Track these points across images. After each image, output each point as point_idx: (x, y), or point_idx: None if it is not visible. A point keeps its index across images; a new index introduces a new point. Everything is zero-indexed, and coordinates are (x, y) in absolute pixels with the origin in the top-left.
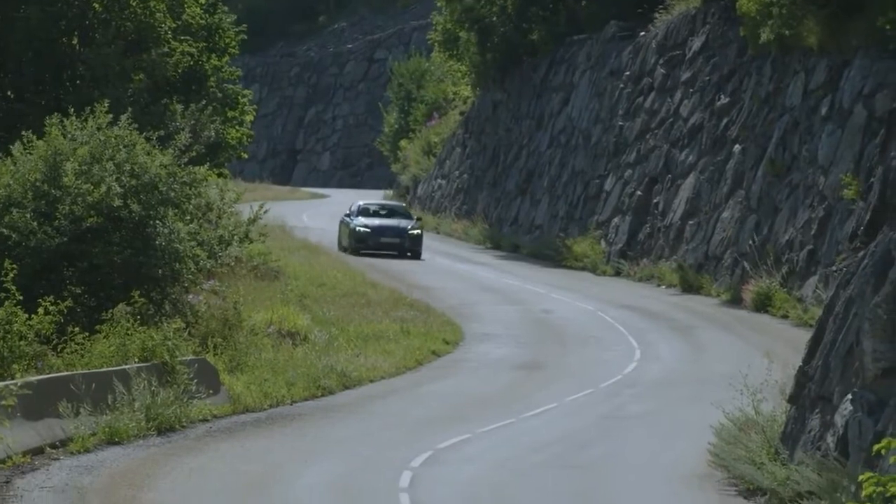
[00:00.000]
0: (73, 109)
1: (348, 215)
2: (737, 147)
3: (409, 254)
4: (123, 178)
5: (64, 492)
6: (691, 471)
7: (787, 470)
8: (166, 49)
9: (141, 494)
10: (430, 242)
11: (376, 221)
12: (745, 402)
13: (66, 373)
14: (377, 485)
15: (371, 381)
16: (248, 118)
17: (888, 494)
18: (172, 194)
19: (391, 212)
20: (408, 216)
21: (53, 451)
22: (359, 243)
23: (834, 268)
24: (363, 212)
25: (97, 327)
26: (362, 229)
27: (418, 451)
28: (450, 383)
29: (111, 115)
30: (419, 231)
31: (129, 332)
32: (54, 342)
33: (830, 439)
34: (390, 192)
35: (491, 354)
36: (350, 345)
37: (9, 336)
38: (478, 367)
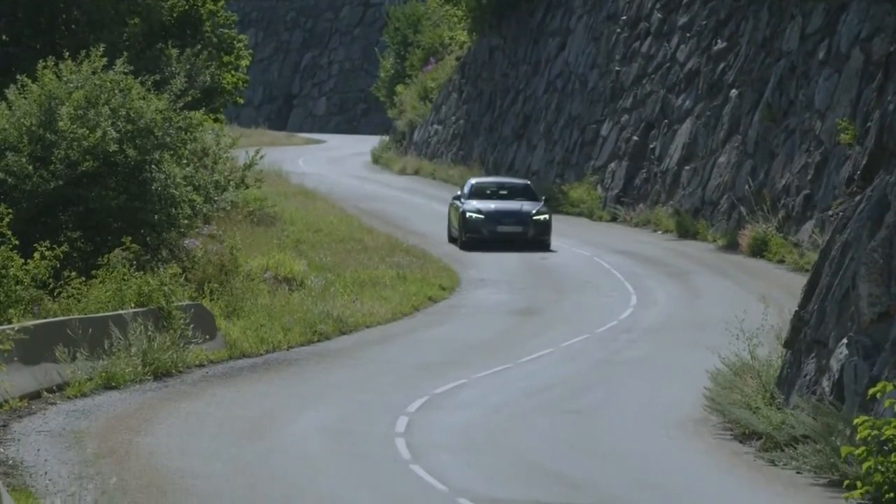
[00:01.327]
0: (68, 54)
1: (458, 197)
2: (733, 92)
3: (535, 244)
4: (119, 123)
5: (61, 436)
6: (687, 415)
7: (783, 414)
8: None
9: (138, 439)
10: (426, 188)
11: (492, 205)
12: (740, 347)
13: (62, 318)
14: (373, 430)
15: (367, 327)
16: (244, 63)
17: (883, 438)
18: (168, 139)
19: (512, 191)
20: (533, 196)
21: (50, 395)
22: (472, 234)
23: (830, 212)
24: (477, 192)
25: (93, 272)
26: (474, 215)
27: (414, 397)
28: (446, 329)
29: (106, 60)
30: (546, 216)
31: (125, 277)
32: (51, 287)
33: (826, 383)
34: (386, 139)
35: (487, 300)
36: (346, 291)
37: (5, 281)
38: (474, 313)
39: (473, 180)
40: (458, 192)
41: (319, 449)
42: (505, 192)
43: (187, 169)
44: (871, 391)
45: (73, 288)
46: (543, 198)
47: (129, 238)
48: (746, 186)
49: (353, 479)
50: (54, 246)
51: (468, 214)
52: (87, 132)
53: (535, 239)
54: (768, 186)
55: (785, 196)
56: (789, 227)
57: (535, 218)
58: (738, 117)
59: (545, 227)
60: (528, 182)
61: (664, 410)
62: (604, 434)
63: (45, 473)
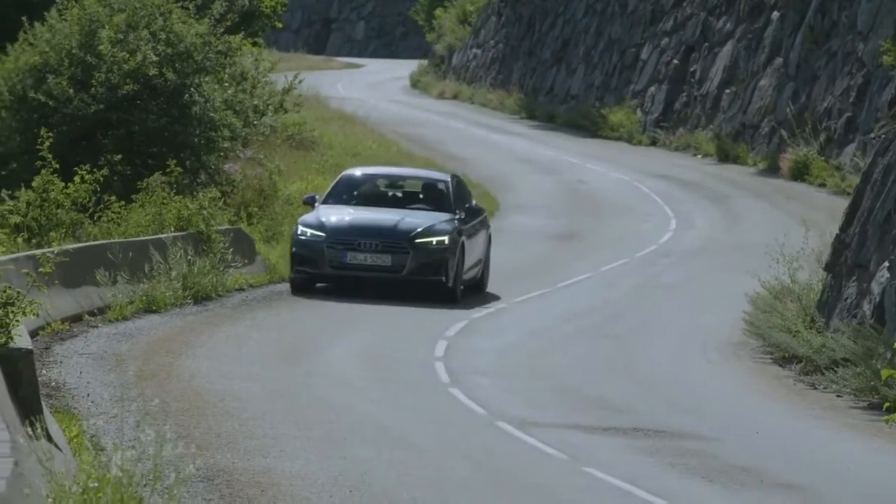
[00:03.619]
0: None
1: (312, 199)
2: (775, 14)
3: (425, 290)
4: (159, 47)
5: (102, 358)
6: (726, 339)
7: (823, 338)
8: None
9: (178, 361)
10: (464, 113)
11: (347, 216)
12: (780, 271)
13: (103, 241)
14: (412, 354)
15: None
16: None
17: None
18: (207, 63)
19: (412, 194)
20: (449, 203)
21: (91, 318)
22: (302, 266)
23: (872, 135)
24: (346, 192)
25: (133, 196)
26: (309, 233)
27: (453, 321)
28: None
29: None
30: (446, 238)
31: (164, 201)
32: (91, 211)
33: (867, 307)
34: (425, 63)
35: (525, 225)
36: None
37: (46, 204)
38: (512, 238)
39: (348, 171)
40: (314, 196)
41: (358, 373)
42: (399, 196)
43: (227, 93)
44: None
45: (113, 212)
46: (467, 207)
47: (174, 161)
48: (787, 109)
49: (392, 402)
50: (94, 170)
51: (300, 231)
52: (128, 56)
53: (417, 279)
54: (810, 109)
55: (826, 119)
56: (831, 150)
57: (417, 241)
58: (779, 40)
59: (439, 259)
60: (454, 177)
61: (703, 334)
62: (643, 358)
63: (88, 395)
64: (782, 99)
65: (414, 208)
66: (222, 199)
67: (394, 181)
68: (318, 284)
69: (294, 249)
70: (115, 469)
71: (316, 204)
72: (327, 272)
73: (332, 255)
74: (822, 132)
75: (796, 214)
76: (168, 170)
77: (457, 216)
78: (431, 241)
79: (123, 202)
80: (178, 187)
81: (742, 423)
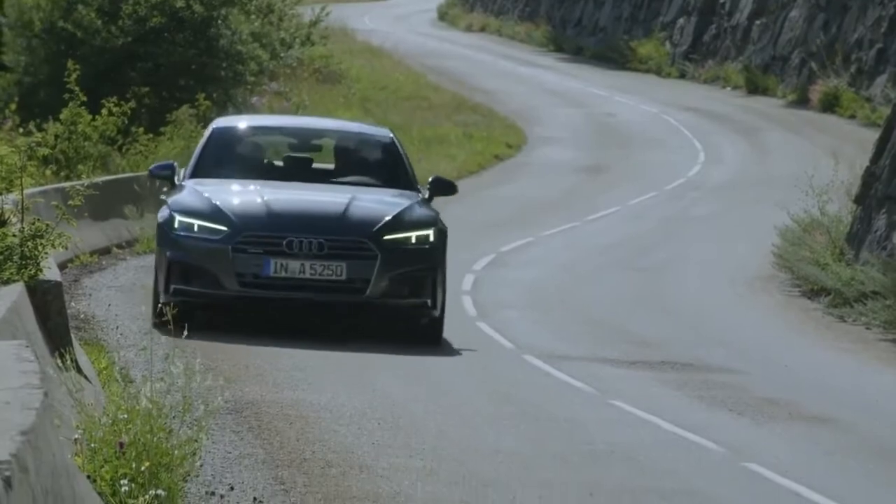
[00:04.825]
0: None
1: (168, 172)
2: None
3: (398, 321)
4: None
5: (131, 291)
6: (755, 273)
7: (852, 270)
8: None
9: None
10: (492, 46)
11: (267, 194)
12: (810, 203)
13: (131, 174)
14: None
15: None
16: None
17: None
18: None
19: (348, 163)
20: (395, 177)
21: (120, 251)
22: (182, 285)
23: None
24: (224, 156)
25: (161, 129)
26: (196, 225)
27: (481, 255)
28: (512, 187)
29: None
30: (432, 231)
31: (192, 133)
32: (119, 144)
33: None
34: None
35: (554, 158)
36: (412, 148)
37: (74, 137)
38: (540, 171)
39: (222, 123)
40: (171, 164)
41: None
42: (318, 166)
43: (254, 25)
44: None
45: (141, 144)
46: (428, 184)
47: (203, 95)
48: (818, 41)
49: None
50: (122, 102)
51: (177, 224)
52: None
53: (389, 303)
54: (840, 40)
55: (857, 50)
56: (861, 81)
57: (387, 238)
58: None
59: (423, 268)
60: (389, 136)
61: (732, 267)
62: (671, 291)
63: (117, 328)
64: (813, 30)
65: (350, 183)
66: None
67: (305, 138)
68: (207, 313)
69: (168, 255)
70: (145, 401)
71: (181, 178)
72: (232, 292)
73: (242, 263)
74: (853, 63)
75: (826, 146)
76: (196, 103)
77: (418, 195)
78: (410, 238)
79: (151, 135)
80: (206, 121)
81: (770, 356)
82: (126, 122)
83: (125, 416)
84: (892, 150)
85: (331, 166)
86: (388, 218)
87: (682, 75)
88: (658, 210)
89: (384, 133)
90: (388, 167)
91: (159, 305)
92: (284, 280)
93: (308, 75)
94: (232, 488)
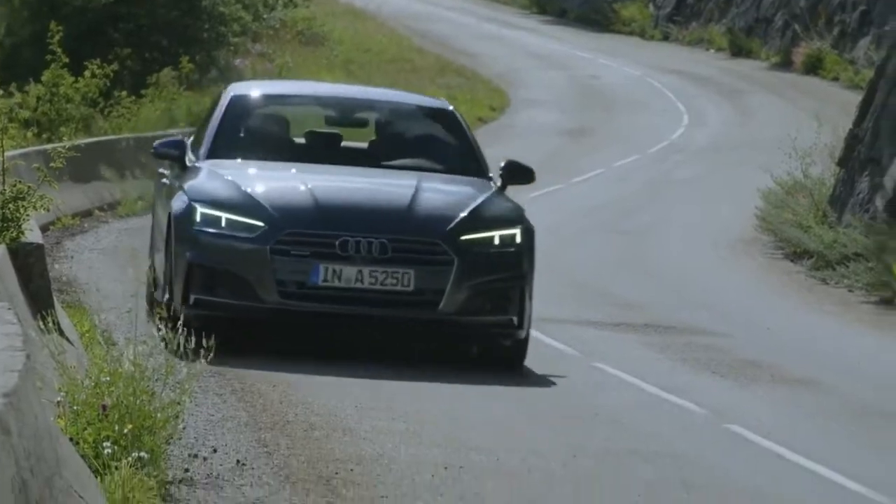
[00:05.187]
0: None
1: (177, 152)
2: None
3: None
4: None
5: (113, 254)
6: (738, 235)
7: (835, 233)
8: None
9: None
10: (475, 8)
11: (311, 181)
12: (793, 166)
13: (113, 136)
14: None
15: None
16: None
17: None
18: None
19: (398, 142)
20: (471, 161)
21: (102, 213)
22: (202, 292)
23: (887, 27)
24: (249, 131)
25: (143, 91)
26: (223, 223)
27: None
28: (496, 150)
29: None
30: (517, 231)
31: (174, 96)
32: (101, 106)
33: (879, 201)
34: None
35: (537, 120)
36: None
37: (56, 99)
38: (524, 134)
39: (241, 89)
40: (180, 141)
41: None
42: (342, 149)
43: None
44: None
45: (123, 107)
46: (500, 169)
47: (185, 57)
48: (801, 3)
49: None
50: (104, 64)
51: (199, 218)
52: None
53: (467, 321)
54: (824, 2)
55: (840, 12)
56: (845, 43)
57: (465, 239)
58: None
59: (509, 277)
60: (449, 108)
61: (715, 230)
62: (654, 254)
63: (99, 290)
64: None
65: (403, 167)
66: None
67: (346, 110)
68: (238, 329)
69: (188, 257)
70: (128, 363)
71: (193, 157)
72: (270, 304)
73: (284, 268)
74: (836, 26)
75: (809, 109)
76: (179, 64)
77: (490, 182)
78: (492, 239)
79: (133, 97)
80: (189, 83)
81: (753, 318)
82: (108, 84)
83: (108, 378)
84: (875, 113)
85: (362, 145)
86: (464, 213)
87: (666, 38)
88: (642, 173)
89: (443, 104)
90: (451, 147)
91: (177, 319)
92: (337, 290)
93: (291, 37)
94: (215, 450)
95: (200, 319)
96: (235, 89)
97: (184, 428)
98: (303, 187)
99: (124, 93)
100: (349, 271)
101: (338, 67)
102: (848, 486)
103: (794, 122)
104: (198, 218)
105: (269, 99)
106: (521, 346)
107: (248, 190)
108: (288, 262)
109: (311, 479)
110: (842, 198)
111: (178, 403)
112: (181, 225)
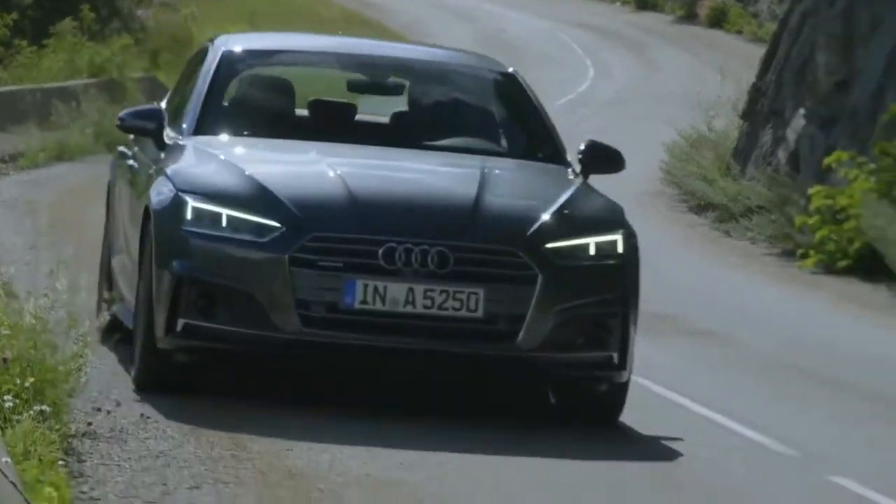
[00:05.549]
0: None
1: (153, 124)
2: None
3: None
4: None
5: (14, 206)
6: (643, 189)
7: (738, 185)
8: None
9: (92, 210)
10: None
11: (345, 166)
12: (697, 119)
13: (13, 87)
14: None
15: None
16: None
17: (836, 207)
18: None
19: (441, 114)
20: (546, 141)
21: (2, 165)
22: (197, 318)
23: None
24: (248, 97)
25: (44, 42)
26: (224, 223)
27: None
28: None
29: None
30: (621, 240)
31: (76, 46)
32: (0, 56)
33: (782, 154)
34: None
35: None
36: None
37: None
38: None
39: (239, 42)
40: (156, 110)
41: None
42: (370, 124)
43: None
44: (826, 161)
45: (24, 57)
46: (579, 153)
47: (87, 6)
48: None
49: None
50: (4, 13)
51: (189, 209)
52: None
53: (553, 359)
54: None
55: None
56: None
57: (550, 247)
58: None
59: (609, 300)
60: (510, 72)
61: (620, 184)
62: None
63: None
64: None
65: (459, 150)
66: (135, 46)
67: (375, 72)
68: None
69: (175, 268)
70: (29, 317)
71: (173, 132)
72: (289, 334)
73: (308, 284)
74: None
75: (713, 62)
76: (80, 14)
77: (574, 172)
78: (586, 248)
79: (35, 47)
80: (91, 33)
81: (657, 271)
82: (8, 34)
83: (8, 332)
84: (778, 66)
85: (383, 119)
86: (547, 213)
87: None
88: None
89: (500, 67)
90: (516, 124)
91: (155, 353)
92: (379, 316)
93: None
94: (119, 404)
95: (190, 352)
96: (223, 42)
97: (86, 382)
98: (332, 173)
99: (24, 42)
100: (396, 290)
101: (242, 19)
102: (748, 435)
103: (699, 75)
104: (188, 215)
105: (269, 56)
106: (621, 392)
107: (257, 177)
108: (313, 277)
109: (217, 433)
110: (745, 151)
111: (81, 357)
112: (165, 224)
